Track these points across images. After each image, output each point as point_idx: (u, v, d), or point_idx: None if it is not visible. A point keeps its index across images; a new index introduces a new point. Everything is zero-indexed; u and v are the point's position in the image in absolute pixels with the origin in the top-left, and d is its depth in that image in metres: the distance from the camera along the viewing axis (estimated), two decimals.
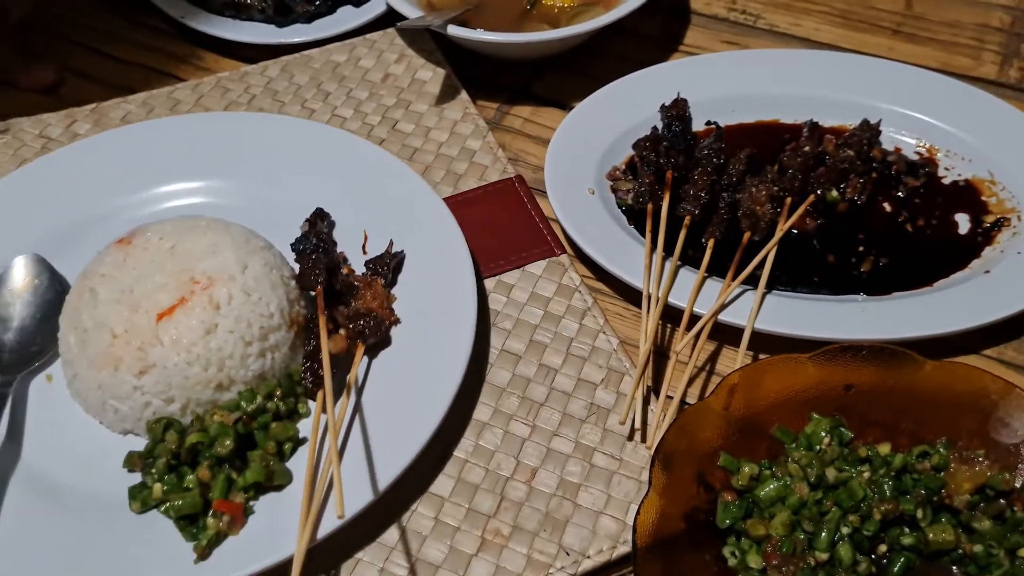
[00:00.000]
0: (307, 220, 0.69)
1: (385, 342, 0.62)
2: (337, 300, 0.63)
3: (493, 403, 0.61)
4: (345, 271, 0.66)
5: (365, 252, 0.68)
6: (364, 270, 0.65)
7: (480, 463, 0.58)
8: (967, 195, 0.72)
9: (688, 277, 0.66)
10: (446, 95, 0.80)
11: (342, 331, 0.61)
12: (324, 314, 0.60)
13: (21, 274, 0.65)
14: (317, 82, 0.82)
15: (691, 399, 0.62)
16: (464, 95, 0.80)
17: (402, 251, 0.66)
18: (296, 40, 0.86)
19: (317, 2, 0.88)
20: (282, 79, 0.83)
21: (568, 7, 0.83)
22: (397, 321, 0.63)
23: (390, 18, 0.87)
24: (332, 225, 0.69)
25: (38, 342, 0.62)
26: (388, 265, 0.65)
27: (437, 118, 0.79)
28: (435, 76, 0.82)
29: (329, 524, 0.52)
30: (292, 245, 0.66)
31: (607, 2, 0.83)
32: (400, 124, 0.78)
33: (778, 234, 0.67)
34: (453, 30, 0.77)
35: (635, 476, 0.57)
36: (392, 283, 0.65)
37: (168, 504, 0.53)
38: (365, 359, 0.61)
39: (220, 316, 0.58)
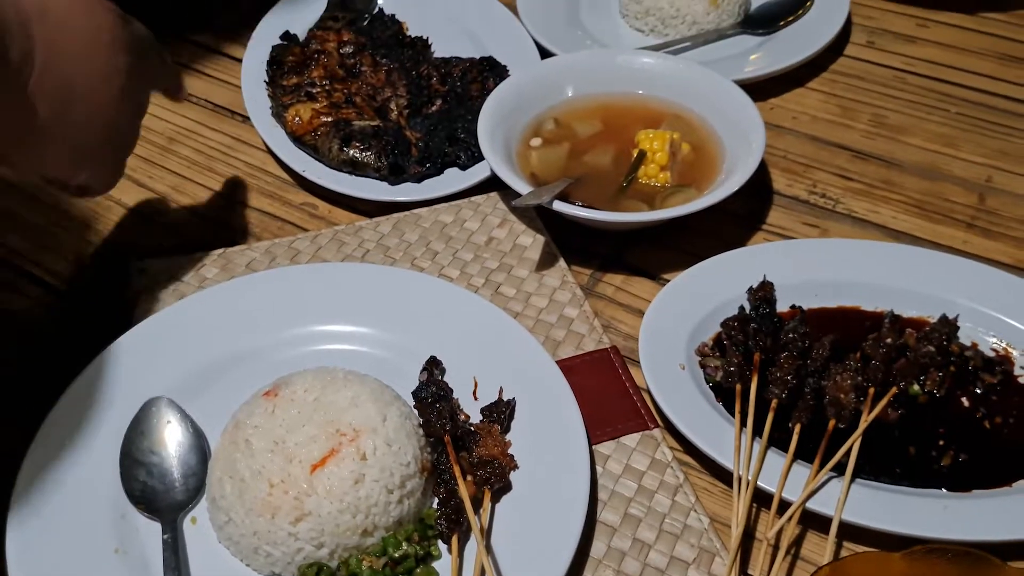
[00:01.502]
0: (424, 368, 0.74)
1: (506, 487, 0.67)
2: (460, 446, 0.69)
3: (591, 574, 0.64)
4: (462, 417, 0.72)
5: (476, 398, 0.74)
6: (479, 416, 0.71)
7: None
8: None
9: (775, 459, 0.69)
10: (545, 262, 0.86)
11: (469, 477, 0.67)
12: (458, 464, 0.66)
13: (153, 419, 0.70)
14: (426, 241, 0.89)
15: None
16: (562, 263, 0.86)
17: (513, 398, 0.72)
18: (407, 199, 0.93)
19: (427, 165, 0.95)
20: (393, 236, 0.90)
21: (662, 187, 0.89)
22: (516, 467, 0.68)
23: (493, 183, 0.94)
24: (443, 371, 0.75)
25: (181, 486, 0.67)
26: (504, 412, 0.71)
27: (537, 284, 0.84)
28: (535, 243, 0.88)
29: None
30: (414, 392, 0.72)
31: (699, 183, 0.90)
32: (502, 288, 0.84)
33: (862, 424, 0.71)
34: (558, 206, 0.83)
35: None
36: (506, 430, 0.71)
37: None
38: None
39: (367, 467, 0.64)
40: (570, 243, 0.89)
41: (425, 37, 1.14)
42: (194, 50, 1.18)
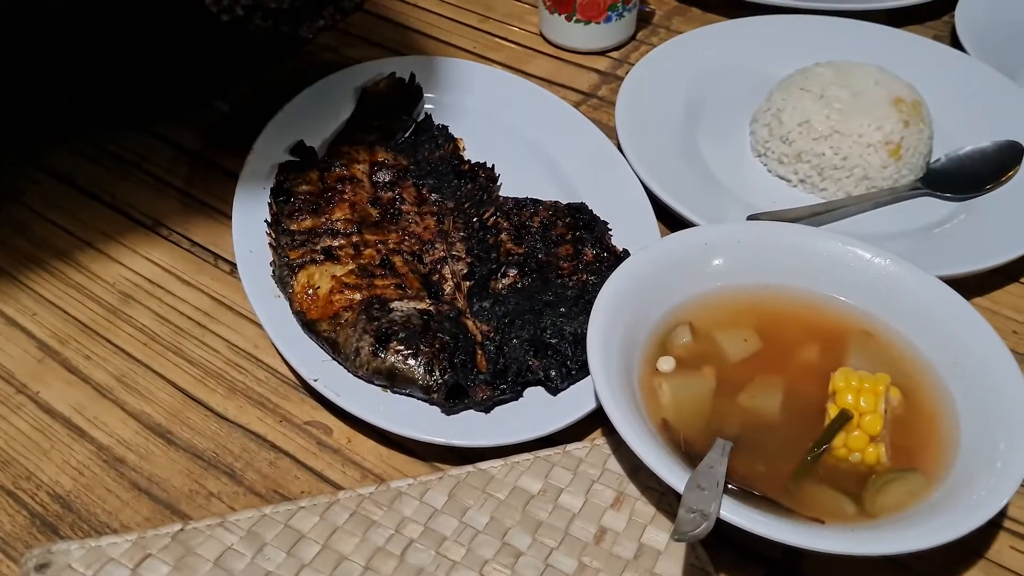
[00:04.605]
0: None
1: None
2: None
3: None
4: None
5: None
6: None
7: None
8: None
9: None
10: None
11: None
12: None
13: None
14: (501, 529, 0.57)
15: None
16: None
17: None
18: (469, 444, 0.61)
19: (503, 385, 0.64)
20: (450, 513, 0.58)
21: (875, 466, 0.58)
22: None
23: (598, 419, 0.63)
24: None
25: None
26: None
27: None
28: (672, 544, 0.57)
29: None
30: None
31: (923, 462, 0.59)
32: None
33: None
34: (728, 512, 0.52)
35: None
36: None
37: None
38: None
39: None
40: (721, 536, 0.57)
41: (490, 165, 0.83)
42: (172, 155, 0.87)
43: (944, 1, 1.04)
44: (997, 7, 1.02)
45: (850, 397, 0.59)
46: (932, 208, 0.81)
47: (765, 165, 0.85)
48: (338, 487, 0.61)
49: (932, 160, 0.84)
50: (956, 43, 0.98)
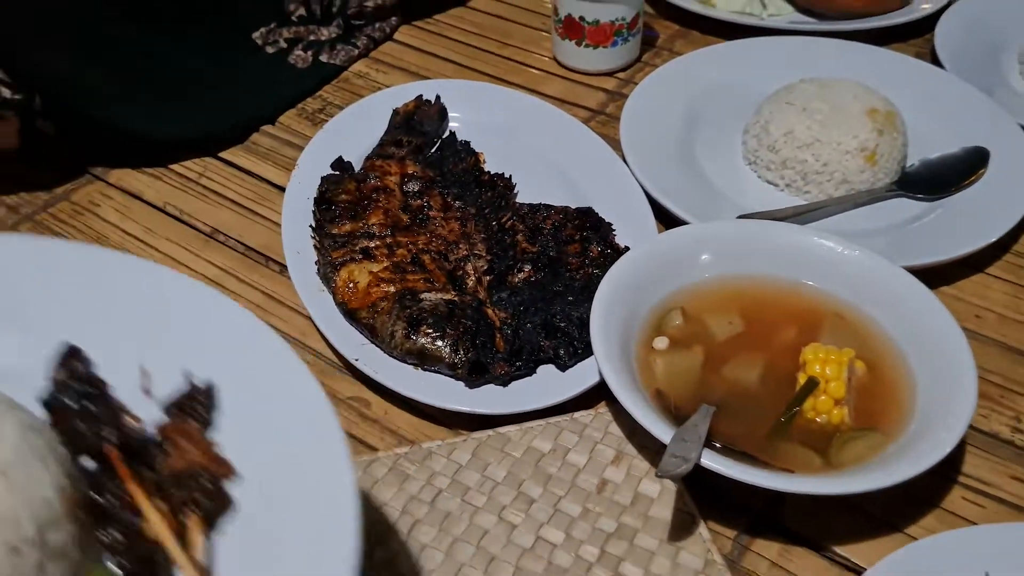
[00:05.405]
0: (59, 364, 0.56)
1: (223, 505, 0.49)
2: (137, 463, 0.52)
3: None
4: (131, 420, 0.54)
5: (148, 395, 0.56)
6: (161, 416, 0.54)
7: None
8: None
9: None
10: (680, 527, 0.64)
11: (161, 504, 0.49)
12: (135, 483, 0.50)
13: None
14: (517, 480, 0.67)
15: None
16: (703, 531, 0.64)
17: (211, 384, 0.55)
18: (488, 411, 0.71)
19: (519, 363, 0.74)
20: (473, 468, 0.67)
21: (839, 426, 0.67)
22: (232, 473, 0.50)
23: (602, 391, 0.72)
24: (89, 364, 0.57)
25: None
26: (203, 403, 0.54)
27: (670, 563, 0.62)
28: (664, 494, 0.66)
29: None
30: (46, 400, 0.54)
31: (883, 423, 0.67)
32: (625, 566, 0.62)
33: None
34: (708, 459, 0.61)
35: None
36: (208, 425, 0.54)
37: None
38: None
39: None
40: (708, 489, 0.67)
41: (508, 175, 0.93)
42: (229, 173, 0.98)
43: (926, 21, 1.14)
44: (974, 27, 1.11)
45: (817, 367, 0.68)
46: (906, 207, 0.90)
47: (755, 171, 0.94)
48: (377, 451, 0.71)
49: (908, 164, 0.93)
50: (936, 60, 1.07)
